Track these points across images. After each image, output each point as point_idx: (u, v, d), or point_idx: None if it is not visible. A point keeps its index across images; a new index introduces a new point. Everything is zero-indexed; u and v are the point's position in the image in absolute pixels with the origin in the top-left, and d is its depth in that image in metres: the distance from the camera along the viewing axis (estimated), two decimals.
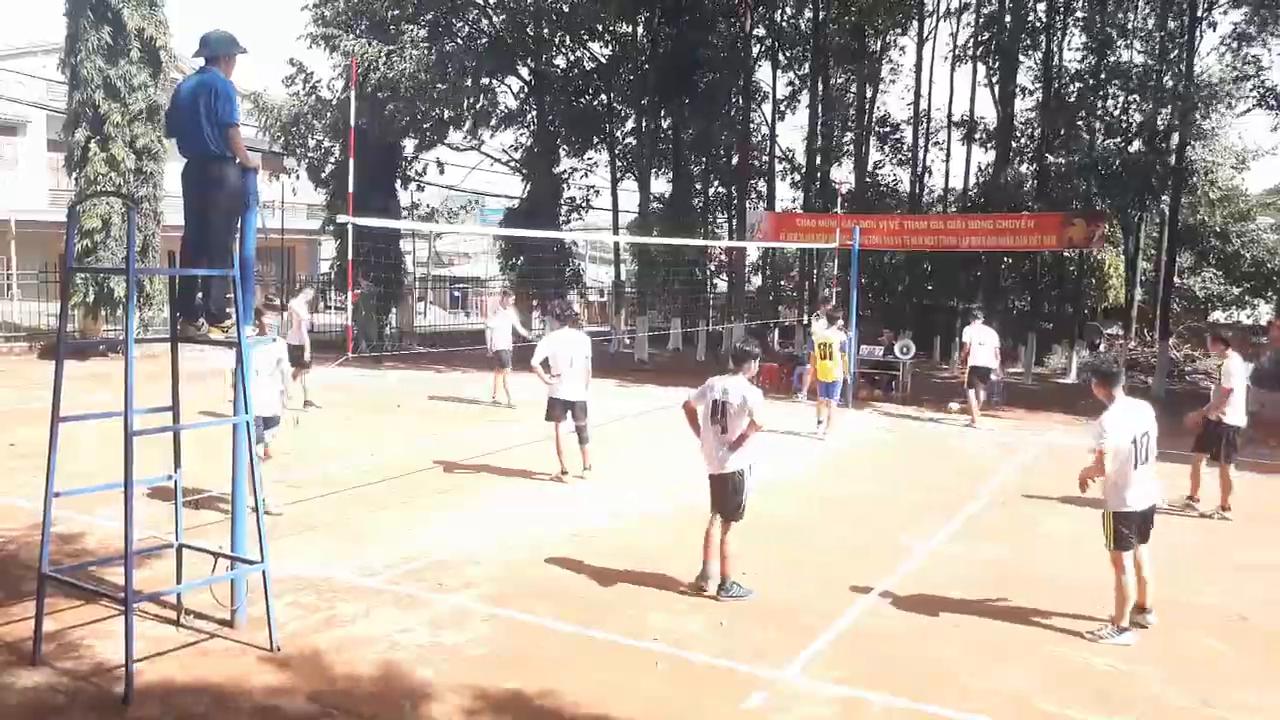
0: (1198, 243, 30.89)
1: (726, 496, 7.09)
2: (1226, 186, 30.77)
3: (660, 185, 30.91)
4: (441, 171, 30.23)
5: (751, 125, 29.83)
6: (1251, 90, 23.14)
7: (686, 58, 25.74)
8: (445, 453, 11.70)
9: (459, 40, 26.81)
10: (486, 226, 37.98)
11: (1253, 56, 22.76)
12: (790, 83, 30.86)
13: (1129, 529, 6.58)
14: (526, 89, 28.95)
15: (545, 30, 27.31)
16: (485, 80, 27.16)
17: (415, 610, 6.63)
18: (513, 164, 30.76)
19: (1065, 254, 25.57)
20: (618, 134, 30.08)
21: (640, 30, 28.18)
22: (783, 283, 33.42)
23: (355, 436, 13.03)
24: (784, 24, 29.35)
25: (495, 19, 27.68)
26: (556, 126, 28.57)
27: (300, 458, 11.30)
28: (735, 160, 29.47)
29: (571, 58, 29.65)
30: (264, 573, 6.00)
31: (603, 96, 29.62)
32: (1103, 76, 24.57)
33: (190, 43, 6.91)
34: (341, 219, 12.25)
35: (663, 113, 28.87)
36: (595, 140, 29.81)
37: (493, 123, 28.48)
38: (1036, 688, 5.78)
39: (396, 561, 7.66)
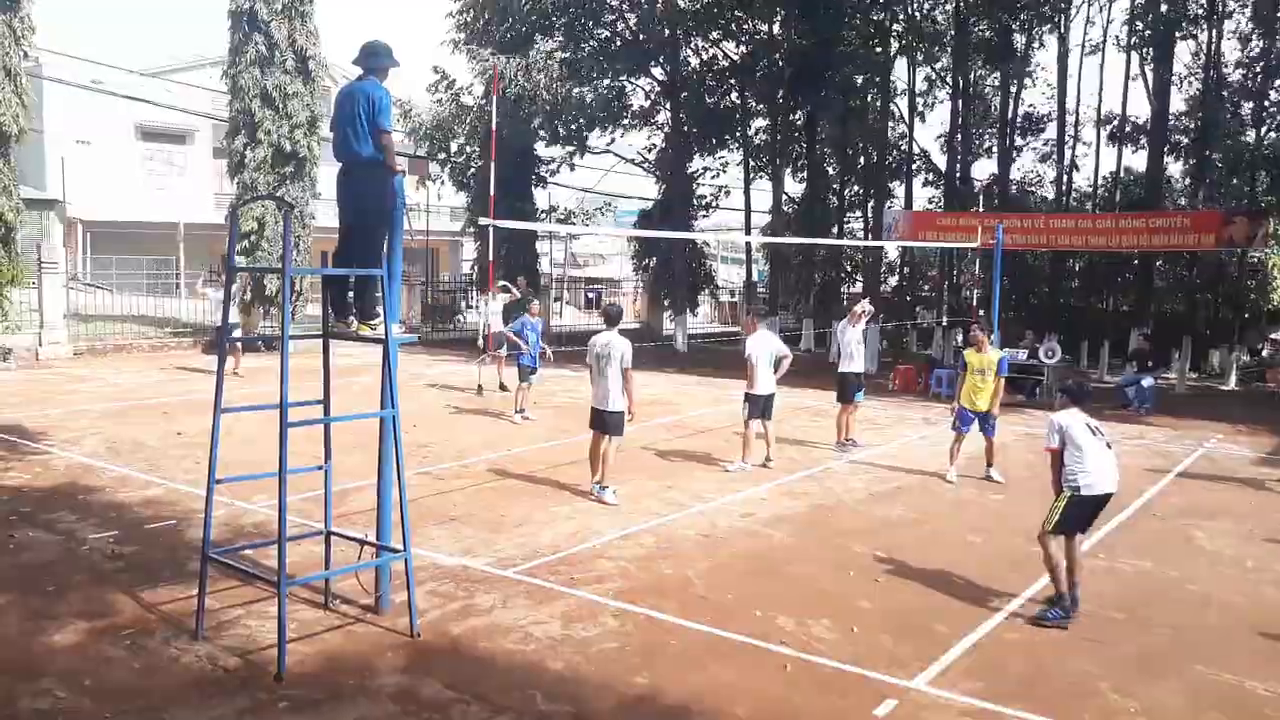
0: None
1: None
2: None
3: (793, 185, 30.71)
4: (572, 170, 30.78)
5: (889, 123, 29.24)
6: None
7: (821, 54, 25.42)
8: (576, 450, 11.86)
9: (594, 43, 27.20)
10: (619, 228, 38.38)
11: None
12: (928, 78, 30.16)
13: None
14: (659, 89, 29.13)
15: (680, 31, 27.44)
16: (618, 82, 27.57)
17: (548, 603, 6.76)
18: (646, 165, 31.00)
19: (1224, 254, 24.22)
20: (750, 133, 29.95)
21: (775, 28, 27.99)
22: (922, 284, 32.64)
23: (498, 432, 13.39)
24: (923, 19, 28.63)
25: (629, 20, 27.94)
26: (689, 126, 28.64)
27: (444, 450, 11.71)
28: (872, 158, 28.95)
29: (705, 57, 29.69)
30: (406, 561, 6.22)
31: (734, 96, 29.56)
32: (1272, 63, 23.05)
33: (339, 51, 7.21)
34: (483, 221, 12.55)
35: (796, 113, 28.58)
36: (728, 139, 29.76)
37: (625, 122, 28.82)
38: (1185, 709, 5.51)
39: (530, 554, 7.83)
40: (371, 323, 6.44)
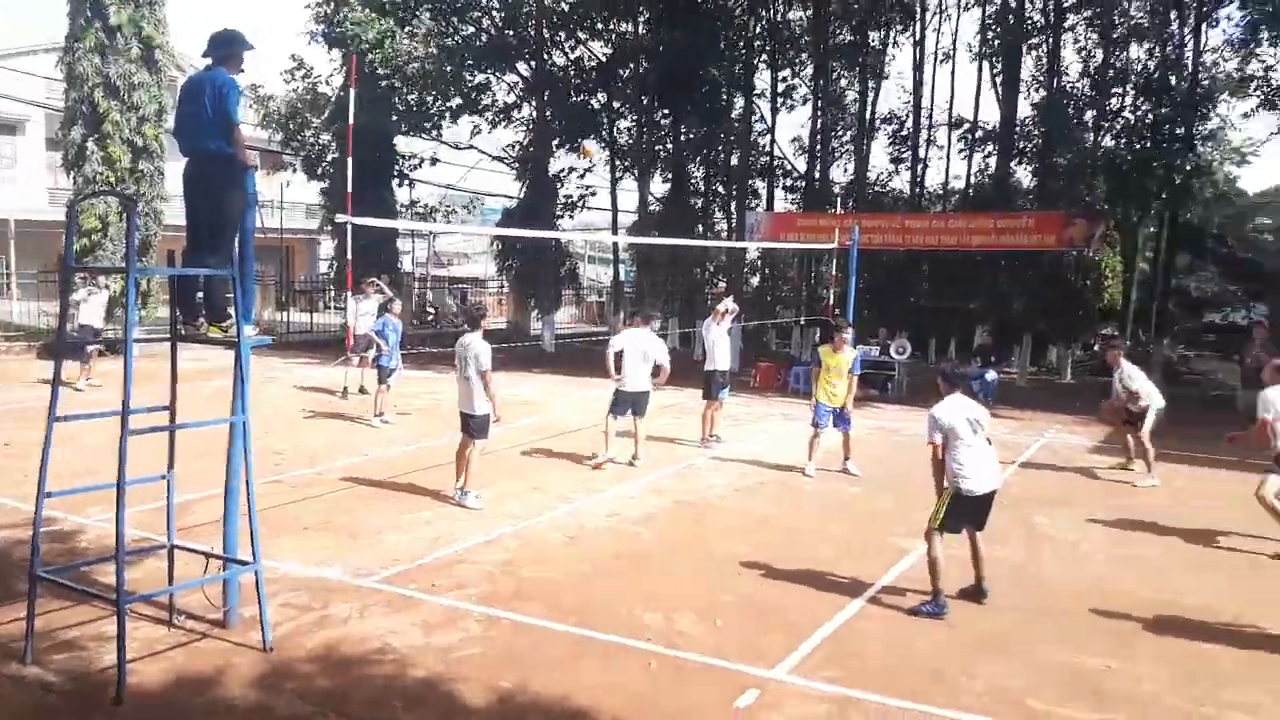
0: (1195, 243, 30.83)
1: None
2: (1226, 187, 30.79)
3: (659, 186, 30.96)
4: (434, 164, 30.31)
5: (752, 124, 29.76)
6: (1255, 90, 23.20)
7: (685, 57, 25.69)
8: (439, 453, 11.63)
9: (459, 38, 26.82)
10: (485, 226, 37.96)
11: (1257, 56, 22.84)
12: (786, 81, 30.77)
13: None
14: (523, 86, 28.95)
15: (546, 31, 27.32)
16: (483, 76, 27.27)
17: (408, 611, 6.61)
18: (510, 162, 30.78)
19: (1065, 254, 25.58)
20: (616, 133, 30.07)
21: (639, 29, 28.18)
22: (782, 284, 33.34)
23: (356, 436, 13.04)
24: (782, 22, 29.26)
25: (496, 17, 27.66)
26: (554, 124, 28.56)
27: (298, 457, 11.32)
28: (734, 160, 29.42)
29: (571, 56, 29.68)
30: (256, 573, 5.98)
31: (600, 95, 29.59)
32: (1109, 76, 24.59)
33: (192, 43, 6.91)
34: (340, 218, 12.13)
35: (660, 113, 28.83)
36: (594, 139, 29.79)
37: (489, 117, 28.53)
38: (1029, 686, 5.78)
39: (389, 562, 7.65)
40: (222, 324, 6.19)
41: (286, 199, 35.47)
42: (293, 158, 28.79)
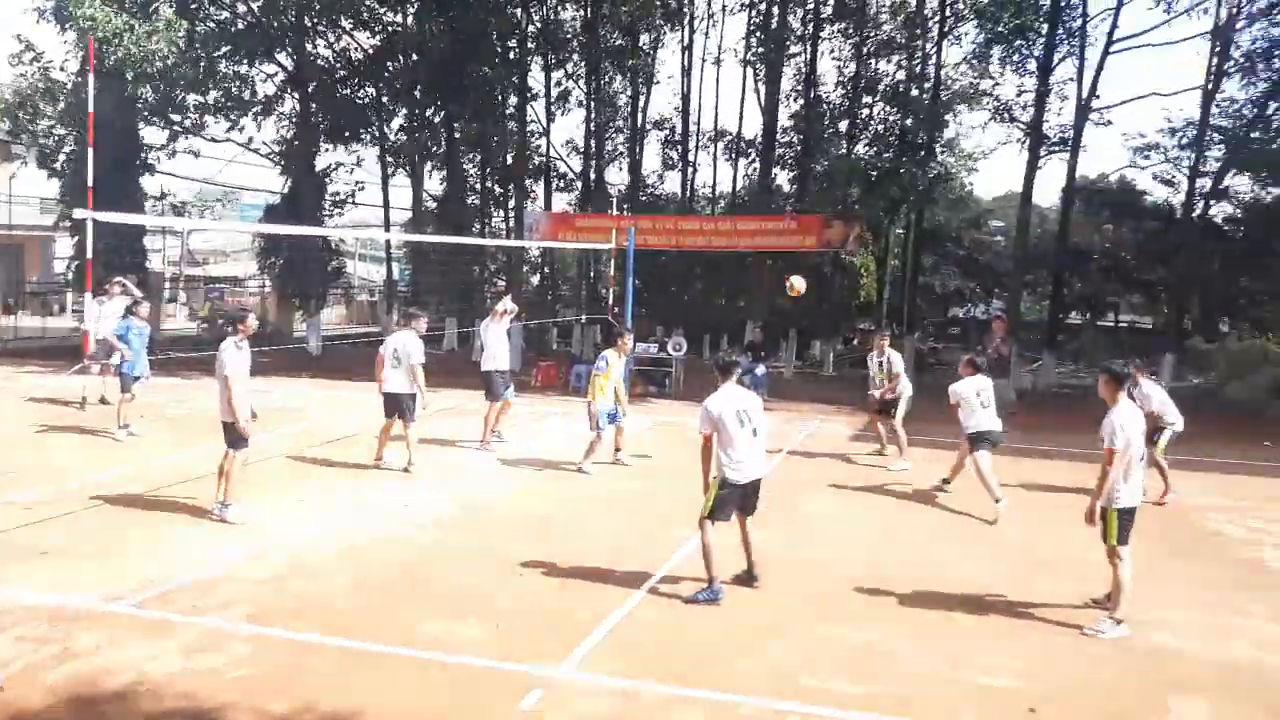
0: (938, 244, 33.50)
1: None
2: (963, 192, 33.63)
3: (435, 184, 30.40)
4: (198, 156, 28.43)
5: (527, 124, 29.69)
6: (988, 103, 25.47)
7: (456, 51, 25.34)
8: (195, 466, 10.88)
9: (212, 24, 25.17)
10: (244, 223, 35.93)
11: (989, 73, 25.07)
12: (559, 82, 30.85)
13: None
14: (285, 77, 27.58)
15: (307, 19, 26.09)
16: (241, 68, 25.76)
17: (166, 636, 6.15)
18: (273, 157, 29.23)
19: (824, 254, 27.13)
20: (387, 129, 29.25)
21: (408, 20, 27.50)
22: (562, 283, 33.52)
23: (99, 451, 12.02)
24: (555, 22, 29.33)
25: (253, 5, 26.18)
26: (319, 118, 27.42)
27: (32, 474, 10.31)
28: (511, 159, 29.27)
29: (337, 48, 28.57)
30: None
31: (369, 89, 28.69)
32: (861, 86, 26.27)
33: None
34: (80, 213, 11.12)
35: (434, 109, 28.27)
36: (363, 133, 28.85)
37: (254, 114, 26.96)
38: (799, 664, 6.07)
39: (143, 584, 7.08)
40: None
41: (16, 193, 32.26)
42: (23, 149, 26.15)
